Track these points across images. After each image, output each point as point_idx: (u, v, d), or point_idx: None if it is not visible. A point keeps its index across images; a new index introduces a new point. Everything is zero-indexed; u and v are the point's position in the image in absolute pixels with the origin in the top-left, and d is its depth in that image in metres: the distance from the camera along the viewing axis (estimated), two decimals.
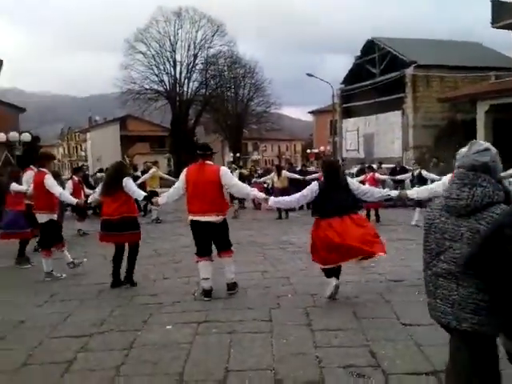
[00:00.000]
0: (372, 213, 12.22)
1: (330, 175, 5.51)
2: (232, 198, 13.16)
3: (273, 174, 15.25)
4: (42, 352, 4.09)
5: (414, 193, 5.78)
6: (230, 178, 5.74)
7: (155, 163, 15.29)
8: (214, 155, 6.01)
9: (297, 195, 5.63)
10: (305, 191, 5.51)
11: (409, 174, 12.54)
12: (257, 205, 17.28)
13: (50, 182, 6.76)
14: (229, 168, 8.43)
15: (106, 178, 6.53)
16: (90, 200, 7.17)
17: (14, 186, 7.94)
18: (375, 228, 5.82)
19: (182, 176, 5.77)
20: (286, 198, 5.83)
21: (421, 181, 11.13)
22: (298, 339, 4.17)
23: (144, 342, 4.24)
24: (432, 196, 6.16)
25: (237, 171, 16.58)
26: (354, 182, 5.65)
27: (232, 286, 5.72)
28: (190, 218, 5.63)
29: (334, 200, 5.20)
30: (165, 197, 6.11)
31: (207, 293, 5.57)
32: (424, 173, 11.77)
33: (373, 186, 9.04)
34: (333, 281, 5.31)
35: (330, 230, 5.16)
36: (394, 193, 5.90)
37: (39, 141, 32.75)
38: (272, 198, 5.96)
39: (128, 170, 6.96)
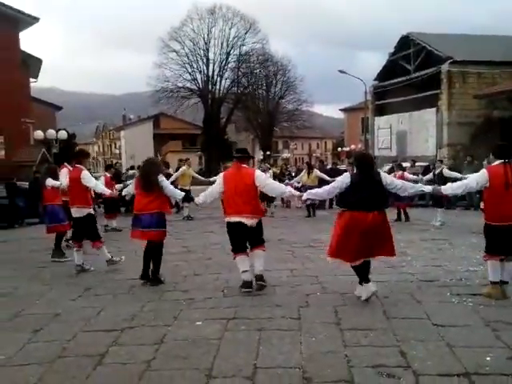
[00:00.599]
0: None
1: (363, 167, 5.34)
2: (268, 200, 13.36)
3: (304, 171, 15.17)
4: (76, 345, 4.20)
5: (449, 188, 5.64)
6: (264, 179, 5.90)
7: (186, 160, 15.44)
8: (251, 159, 6.16)
9: (328, 186, 5.60)
10: (335, 182, 5.45)
11: (430, 175, 12.18)
12: (286, 202, 17.27)
13: (87, 177, 7.15)
14: (260, 168, 8.49)
15: (142, 173, 6.61)
16: (124, 192, 7.33)
17: (50, 181, 8.20)
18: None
19: (220, 179, 5.96)
20: (319, 190, 5.76)
21: (441, 180, 10.88)
22: (326, 338, 4.16)
23: (174, 337, 4.31)
24: (466, 192, 6.01)
25: (270, 171, 16.52)
26: (387, 176, 5.50)
27: (260, 278, 5.80)
28: (227, 219, 5.81)
29: (364, 193, 5.10)
30: (202, 196, 6.24)
31: (248, 284, 5.70)
32: (446, 171, 11.61)
33: None
34: (372, 287, 5.18)
35: (355, 222, 5.07)
36: (428, 188, 5.77)
37: (75, 138, 33.59)
38: (305, 194, 5.90)
39: (161, 166, 7.09)
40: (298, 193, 6.24)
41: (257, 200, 5.86)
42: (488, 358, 3.62)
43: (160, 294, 5.73)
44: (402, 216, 12.29)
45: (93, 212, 7.39)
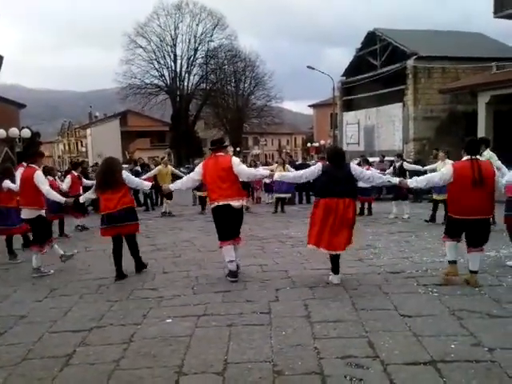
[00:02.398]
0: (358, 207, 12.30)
1: (335, 159, 5.68)
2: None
3: (276, 165, 14.78)
4: (42, 347, 4.11)
5: (414, 181, 5.87)
6: (238, 164, 6.03)
7: (162, 159, 15.24)
8: (225, 148, 6.36)
9: (300, 172, 5.97)
10: (308, 170, 5.82)
11: (391, 169, 12.45)
12: (256, 199, 17.32)
13: (40, 178, 6.75)
14: None
15: (101, 175, 6.47)
16: (81, 200, 7.18)
17: (7, 183, 7.90)
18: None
19: (199, 168, 6.20)
20: (290, 174, 6.28)
21: (402, 173, 11.16)
22: (296, 331, 4.18)
23: (144, 335, 4.26)
24: (430, 186, 6.32)
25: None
26: (356, 168, 5.82)
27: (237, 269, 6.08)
28: (215, 204, 6.00)
29: (337, 182, 5.43)
30: (178, 183, 6.59)
31: (234, 274, 5.91)
32: (406, 165, 12.04)
33: None
34: (335, 279, 5.63)
35: (322, 209, 5.45)
36: (395, 180, 6.05)
37: (39, 137, 32.75)
38: (276, 173, 6.45)
39: (120, 163, 7.02)
40: (267, 172, 6.52)
41: (238, 183, 6.07)
42: (453, 346, 3.71)
43: (129, 293, 5.65)
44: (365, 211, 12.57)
45: (43, 214, 6.93)
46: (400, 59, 24.42)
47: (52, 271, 6.88)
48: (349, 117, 29.91)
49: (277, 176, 6.15)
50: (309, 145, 53.04)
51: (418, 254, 7.20)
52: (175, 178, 13.22)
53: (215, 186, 5.97)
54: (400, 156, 12.81)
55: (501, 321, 4.24)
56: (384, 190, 15.63)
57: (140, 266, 6.64)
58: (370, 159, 16.55)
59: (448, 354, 3.58)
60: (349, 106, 30.26)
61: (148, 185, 7.06)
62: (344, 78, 30.23)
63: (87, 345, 4.10)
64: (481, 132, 20.00)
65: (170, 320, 4.62)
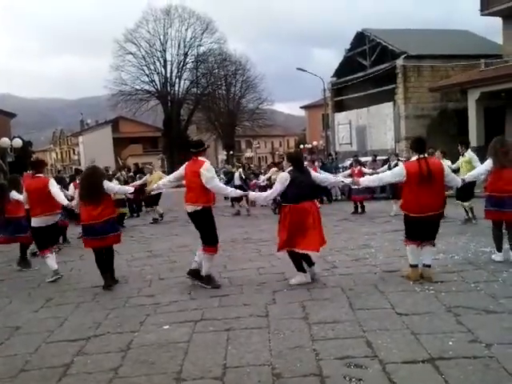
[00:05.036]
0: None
1: (297, 164, 5.81)
2: (235, 200, 14.21)
3: (272, 170, 14.67)
4: (39, 357, 4.08)
5: (366, 180, 6.14)
6: (208, 179, 5.75)
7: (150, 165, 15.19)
8: (205, 151, 6.21)
9: (270, 190, 6.02)
10: (277, 184, 5.79)
11: (385, 167, 12.52)
12: (251, 202, 17.26)
13: (55, 188, 6.93)
14: (224, 168, 8.59)
15: (84, 186, 6.39)
16: (73, 205, 7.08)
17: (14, 195, 7.92)
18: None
19: (181, 169, 6.22)
20: (263, 194, 6.38)
21: None
22: (294, 333, 4.18)
23: (141, 342, 4.24)
24: (382, 184, 6.68)
25: (240, 170, 16.12)
26: (314, 173, 6.06)
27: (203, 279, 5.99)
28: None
29: (303, 186, 5.60)
30: (160, 183, 6.58)
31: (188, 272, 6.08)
32: (400, 164, 11.94)
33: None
34: (303, 277, 5.78)
35: (298, 214, 5.56)
36: (348, 180, 6.41)
37: (31, 146, 32.60)
38: (251, 192, 6.66)
39: (103, 172, 7.02)
40: (240, 192, 6.57)
41: (201, 189, 5.77)
42: (450, 343, 3.73)
43: (125, 300, 5.62)
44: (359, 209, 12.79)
45: (57, 220, 7.27)
46: (389, 59, 24.56)
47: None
48: (340, 117, 30.01)
49: (251, 196, 6.46)
50: (302, 146, 53.13)
51: None
52: None
53: (187, 190, 5.99)
54: (396, 155, 12.90)
55: (497, 316, 4.26)
56: (378, 190, 15.68)
57: (112, 278, 6.38)
58: (363, 159, 16.62)
59: (446, 351, 3.59)
60: (340, 107, 30.36)
61: (129, 189, 6.95)
62: (334, 78, 30.34)
63: (85, 354, 4.08)
64: (472, 129, 20.13)
65: (167, 326, 4.60)
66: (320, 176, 6.30)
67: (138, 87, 47.28)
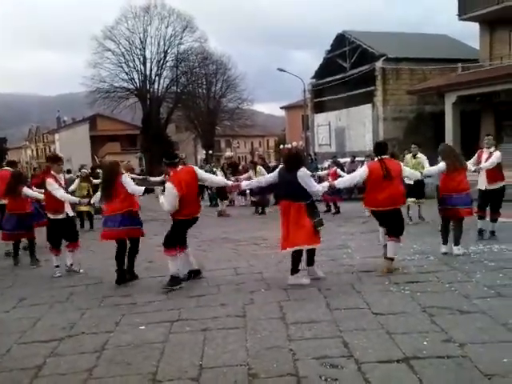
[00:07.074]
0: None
1: (286, 162, 5.96)
2: (221, 197, 14.23)
3: (250, 171, 14.82)
4: (10, 359, 3.99)
5: (340, 182, 6.46)
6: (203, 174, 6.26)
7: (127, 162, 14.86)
8: (181, 160, 6.23)
9: (263, 177, 6.44)
10: (269, 176, 6.33)
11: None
12: (230, 201, 17.23)
13: (53, 186, 6.83)
14: (205, 170, 8.51)
15: (102, 184, 6.68)
16: (94, 200, 7.52)
17: (29, 192, 7.87)
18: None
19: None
20: (253, 182, 6.69)
21: None
22: (271, 333, 4.18)
23: (116, 343, 4.18)
24: (353, 185, 7.46)
25: (219, 172, 16.15)
26: (300, 175, 5.75)
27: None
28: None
29: (288, 185, 5.70)
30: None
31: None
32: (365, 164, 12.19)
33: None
34: (306, 280, 5.75)
35: (284, 214, 5.70)
36: (325, 184, 6.28)
37: (6, 142, 31.96)
38: (244, 182, 6.69)
39: (119, 167, 6.88)
40: (230, 182, 6.69)
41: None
42: (425, 343, 3.77)
43: (100, 300, 5.54)
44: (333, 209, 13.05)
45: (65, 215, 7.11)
46: (369, 61, 24.76)
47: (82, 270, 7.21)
48: (320, 118, 30.14)
49: (244, 185, 6.55)
50: (281, 146, 53.23)
51: None
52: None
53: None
54: (369, 156, 13.01)
55: (471, 316, 4.33)
56: (356, 191, 15.80)
57: (132, 271, 6.53)
58: (342, 160, 16.70)
59: (420, 350, 3.64)
60: (320, 108, 30.48)
61: (140, 191, 6.44)
62: (314, 80, 30.45)
63: (58, 355, 4.01)
64: (448, 132, 20.46)
65: (143, 327, 4.55)
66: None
67: (116, 84, 46.60)
